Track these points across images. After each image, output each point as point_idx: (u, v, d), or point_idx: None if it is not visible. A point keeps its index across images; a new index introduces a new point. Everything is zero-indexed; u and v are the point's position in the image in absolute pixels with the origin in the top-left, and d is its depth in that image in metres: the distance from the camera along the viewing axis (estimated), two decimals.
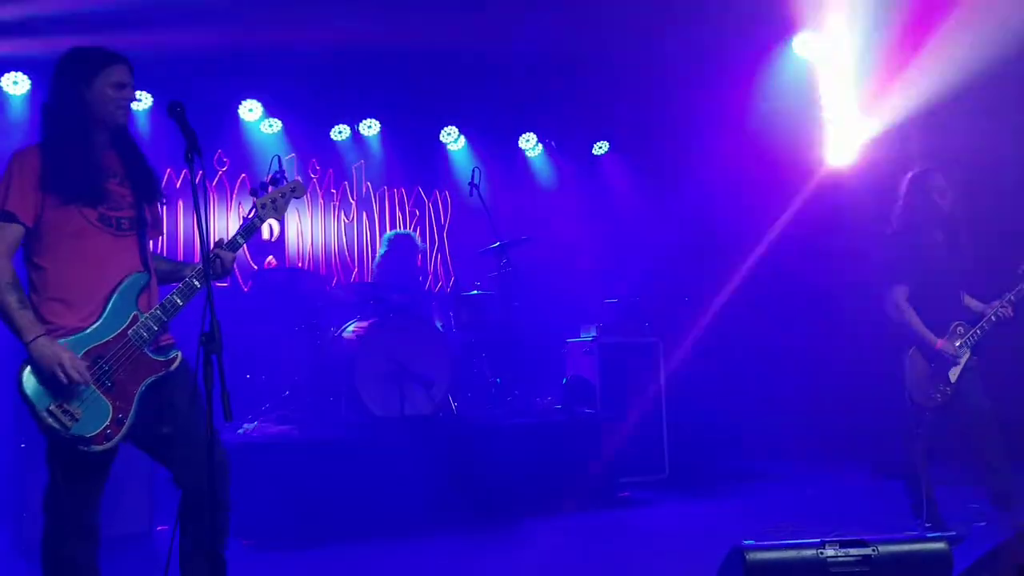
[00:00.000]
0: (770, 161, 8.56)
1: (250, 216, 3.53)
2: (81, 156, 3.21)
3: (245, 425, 6.28)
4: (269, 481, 5.65)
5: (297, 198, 3.72)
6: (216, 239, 3.54)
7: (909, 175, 5.53)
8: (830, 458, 7.77)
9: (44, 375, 2.99)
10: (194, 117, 3.22)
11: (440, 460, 6.20)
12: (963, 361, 5.27)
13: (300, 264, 8.74)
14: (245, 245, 7.89)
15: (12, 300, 3.04)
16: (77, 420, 3.03)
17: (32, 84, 7.50)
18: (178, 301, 3.27)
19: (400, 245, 7.59)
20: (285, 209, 3.64)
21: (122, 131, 3.39)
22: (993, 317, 5.29)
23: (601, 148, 10.22)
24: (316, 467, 5.83)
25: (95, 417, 3.06)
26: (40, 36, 6.96)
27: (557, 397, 7.42)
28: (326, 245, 9.02)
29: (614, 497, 6.72)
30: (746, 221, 8.79)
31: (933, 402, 5.28)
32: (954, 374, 5.26)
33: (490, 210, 7.53)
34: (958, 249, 5.44)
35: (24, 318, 3.03)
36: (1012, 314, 5.28)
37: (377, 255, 7.80)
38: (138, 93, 7.83)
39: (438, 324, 7.36)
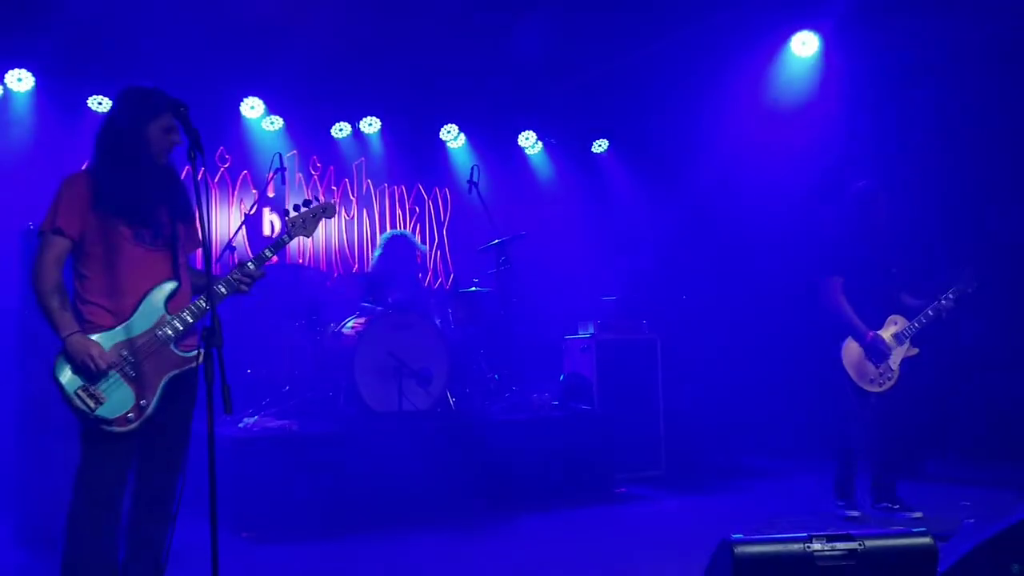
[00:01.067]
0: (769, 158, 8.61)
1: (280, 232, 3.93)
2: (131, 180, 3.55)
3: (245, 419, 6.33)
4: (269, 474, 5.72)
5: (328, 218, 4.04)
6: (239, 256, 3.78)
7: (853, 188, 6.03)
8: (826, 454, 7.81)
9: (76, 364, 3.34)
10: (196, 114, 3.34)
11: (438, 455, 6.26)
12: (903, 350, 5.77)
13: (301, 260, 8.80)
14: (247, 240, 7.89)
15: (54, 304, 3.40)
16: (102, 403, 3.35)
17: (36, 81, 7.54)
18: (204, 305, 3.57)
19: (396, 246, 7.61)
20: (315, 228, 3.97)
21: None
22: (931, 312, 5.74)
23: (600, 146, 10.26)
24: (315, 461, 5.89)
25: (119, 402, 3.39)
26: (45, 33, 7.02)
27: (554, 393, 7.47)
28: (327, 242, 9.08)
29: (611, 493, 6.78)
30: (744, 219, 8.85)
31: (878, 386, 5.75)
32: (895, 360, 5.72)
33: (489, 208, 7.59)
34: (898, 250, 5.95)
35: (63, 318, 3.39)
36: (951, 308, 5.75)
37: (373, 256, 7.84)
38: None
39: (436, 321, 7.41)
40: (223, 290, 3.62)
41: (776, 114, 8.52)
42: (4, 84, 7.50)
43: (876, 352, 5.72)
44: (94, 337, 3.40)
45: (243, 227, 7.76)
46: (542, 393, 7.31)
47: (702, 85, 8.81)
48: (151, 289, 3.54)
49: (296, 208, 3.93)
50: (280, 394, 7.03)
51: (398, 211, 9.49)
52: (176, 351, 3.54)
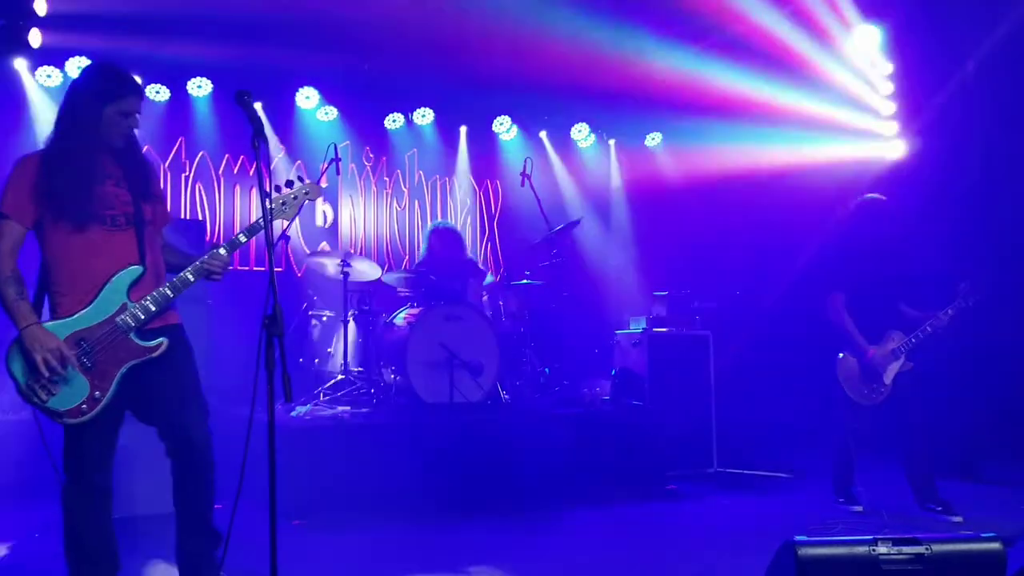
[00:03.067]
0: (826, 152, 8.47)
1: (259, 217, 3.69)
2: (77, 178, 3.47)
3: (298, 408, 6.38)
4: (321, 463, 5.75)
5: (311, 200, 3.90)
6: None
7: (858, 201, 6.18)
8: (881, 455, 7.70)
9: (31, 357, 3.33)
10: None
11: (488, 447, 6.24)
12: (897, 364, 5.88)
13: (353, 250, 8.83)
14: (300, 230, 7.91)
15: (11, 293, 3.39)
16: (54, 395, 3.37)
17: None
18: (168, 293, 3.55)
19: (440, 238, 7.62)
20: (296, 211, 3.82)
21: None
22: (928, 327, 5.86)
23: (654, 140, 10.17)
24: (367, 451, 5.91)
25: (71, 394, 3.39)
26: (104, 22, 7.11)
27: (605, 388, 7.42)
28: (378, 232, 9.11)
29: (661, 490, 6.70)
30: (798, 213, 8.71)
31: (869, 400, 5.91)
32: (888, 376, 5.86)
33: (541, 200, 7.55)
34: (900, 264, 6.05)
35: (20, 308, 3.38)
36: (947, 324, 5.84)
37: (421, 248, 7.86)
38: (199, 80, 8.01)
39: (487, 313, 7.40)
40: (190, 277, 3.57)
41: (836, 106, 8.37)
42: (64, 72, 7.61)
43: (872, 370, 5.89)
44: (49, 325, 3.38)
45: (297, 217, 7.79)
46: (593, 387, 7.27)
47: (757, 77, 8.68)
48: (114, 274, 3.49)
49: (278, 189, 3.75)
50: (332, 384, 7.06)
51: (449, 203, 9.48)
52: (136, 340, 3.51)
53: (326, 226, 8.75)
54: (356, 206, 8.94)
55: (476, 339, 6.76)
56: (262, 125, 3.20)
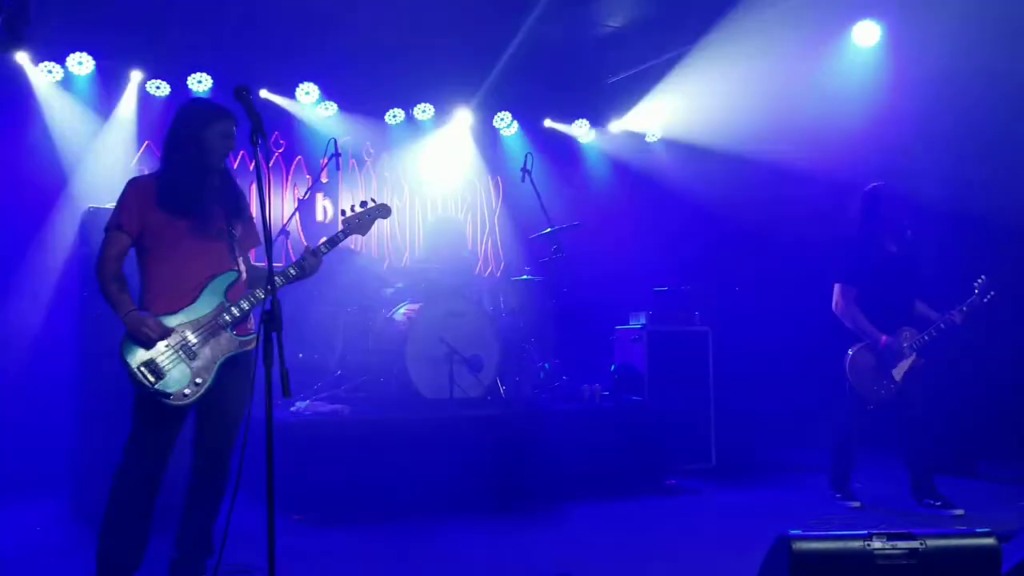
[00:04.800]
0: (827, 149, 8.46)
1: (337, 230, 4.38)
2: (192, 180, 3.92)
3: (298, 403, 6.38)
4: (320, 459, 5.76)
5: (383, 218, 4.51)
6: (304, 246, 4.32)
7: (865, 189, 6.09)
8: (879, 451, 7.72)
9: (136, 339, 3.67)
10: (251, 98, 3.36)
11: (487, 443, 6.24)
12: (908, 361, 5.84)
13: (353, 246, 8.82)
14: (300, 226, 8.00)
15: (114, 288, 3.76)
16: (162, 378, 3.68)
17: (96, 64, 7.64)
18: (260, 295, 3.91)
19: (443, 232, 7.62)
20: (369, 227, 4.44)
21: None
22: (942, 324, 5.81)
23: (654, 136, 10.17)
24: (366, 446, 5.92)
25: (177, 379, 3.72)
26: (106, 16, 7.13)
27: (605, 384, 7.43)
28: (378, 227, 9.08)
29: (660, 485, 6.73)
30: (798, 210, 8.71)
31: (877, 396, 5.85)
32: (899, 373, 5.80)
33: (541, 196, 7.55)
34: (915, 259, 6.02)
35: (121, 299, 3.75)
36: (960, 322, 5.84)
37: (422, 242, 7.86)
38: (198, 75, 8.00)
39: (488, 308, 7.40)
40: (278, 281, 3.89)
41: (836, 105, 8.36)
42: (65, 67, 7.60)
43: (891, 355, 5.82)
44: (160, 318, 3.71)
45: (297, 213, 7.81)
46: (592, 383, 7.27)
47: (759, 73, 8.67)
48: (213, 277, 3.86)
49: (352, 208, 4.34)
50: (332, 379, 7.07)
51: (449, 198, 9.48)
52: (233, 335, 3.88)
53: (326, 221, 8.74)
54: (356, 201, 8.91)
55: (476, 334, 6.77)
56: (261, 120, 3.28)
